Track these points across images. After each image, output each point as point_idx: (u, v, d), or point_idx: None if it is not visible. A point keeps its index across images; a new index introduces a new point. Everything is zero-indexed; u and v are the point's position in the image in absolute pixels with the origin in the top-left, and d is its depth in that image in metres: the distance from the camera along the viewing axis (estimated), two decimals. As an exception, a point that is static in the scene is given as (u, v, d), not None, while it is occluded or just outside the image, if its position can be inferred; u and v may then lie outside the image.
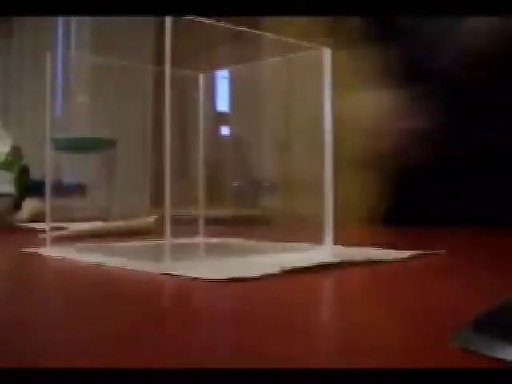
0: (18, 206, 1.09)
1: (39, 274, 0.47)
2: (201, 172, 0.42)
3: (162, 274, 0.40)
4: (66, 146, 1.54)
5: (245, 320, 0.28)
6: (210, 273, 0.39)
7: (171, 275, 0.39)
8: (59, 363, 0.20)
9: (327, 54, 0.51)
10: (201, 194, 0.41)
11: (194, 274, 0.39)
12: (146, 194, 1.92)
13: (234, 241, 0.68)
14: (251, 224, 1.01)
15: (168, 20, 0.41)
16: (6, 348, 0.22)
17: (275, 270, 0.39)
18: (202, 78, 0.49)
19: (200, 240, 0.42)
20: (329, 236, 0.51)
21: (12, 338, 0.24)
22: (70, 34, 2.97)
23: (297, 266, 0.41)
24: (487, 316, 0.25)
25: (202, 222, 0.42)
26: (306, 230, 0.55)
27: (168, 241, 0.41)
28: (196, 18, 0.42)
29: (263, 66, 0.72)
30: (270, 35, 0.50)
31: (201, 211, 0.42)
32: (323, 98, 0.52)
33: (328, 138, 0.52)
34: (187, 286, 0.38)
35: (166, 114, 0.42)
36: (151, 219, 0.83)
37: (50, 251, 0.55)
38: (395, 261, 0.48)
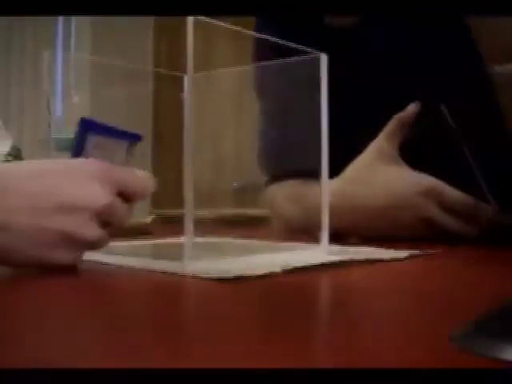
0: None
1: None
2: (190, 172, 0.42)
3: (170, 274, 0.41)
4: (66, 146, 1.54)
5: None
6: (214, 272, 0.39)
7: (180, 275, 0.40)
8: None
9: (324, 59, 0.52)
10: (189, 194, 0.42)
11: (195, 273, 0.39)
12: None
13: (233, 240, 0.68)
14: (251, 224, 1.01)
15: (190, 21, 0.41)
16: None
17: (277, 269, 0.40)
18: (186, 79, 0.49)
19: (195, 240, 0.42)
20: (325, 236, 0.51)
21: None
22: (69, 34, 2.97)
23: (297, 265, 0.42)
24: (487, 316, 0.25)
25: (189, 221, 0.42)
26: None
27: (187, 241, 0.42)
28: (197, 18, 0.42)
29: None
30: (267, 37, 0.50)
31: (190, 211, 0.42)
32: (321, 100, 0.52)
33: (324, 139, 0.52)
34: (193, 285, 0.38)
35: (186, 115, 0.42)
36: (149, 219, 0.84)
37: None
38: (393, 260, 0.48)
